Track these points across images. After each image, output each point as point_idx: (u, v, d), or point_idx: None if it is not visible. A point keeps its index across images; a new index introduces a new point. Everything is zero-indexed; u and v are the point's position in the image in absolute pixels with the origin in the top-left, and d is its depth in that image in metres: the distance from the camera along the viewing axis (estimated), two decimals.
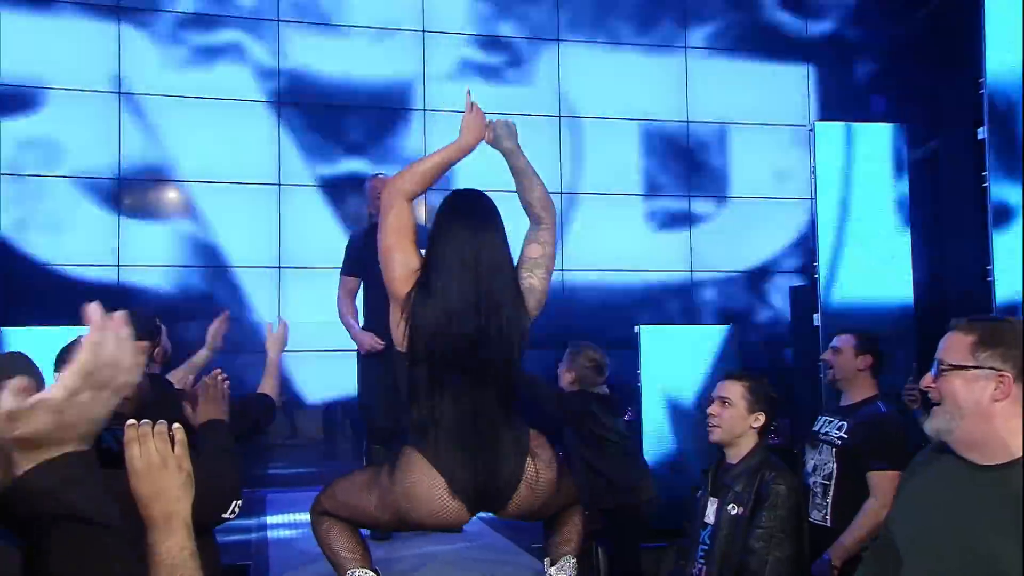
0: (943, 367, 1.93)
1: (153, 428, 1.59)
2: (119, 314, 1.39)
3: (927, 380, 1.99)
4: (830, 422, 3.78)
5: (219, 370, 2.85)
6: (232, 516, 2.49)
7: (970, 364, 1.88)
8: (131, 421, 1.59)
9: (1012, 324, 1.93)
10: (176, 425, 1.63)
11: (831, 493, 3.64)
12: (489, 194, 2.80)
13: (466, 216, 2.67)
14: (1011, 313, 5.48)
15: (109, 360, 1.35)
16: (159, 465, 1.57)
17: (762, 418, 3.14)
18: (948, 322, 2.02)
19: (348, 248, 4.97)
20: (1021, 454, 1.83)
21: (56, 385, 1.34)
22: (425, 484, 2.55)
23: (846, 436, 3.66)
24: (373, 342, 4.58)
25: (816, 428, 3.85)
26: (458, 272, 2.58)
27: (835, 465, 3.65)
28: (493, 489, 2.57)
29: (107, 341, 1.35)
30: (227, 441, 2.57)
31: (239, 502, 2.50)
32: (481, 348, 2.56)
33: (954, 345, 1.93)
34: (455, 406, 2.55)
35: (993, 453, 1.87)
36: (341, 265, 4.90)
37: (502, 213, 2.74)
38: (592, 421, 4.47)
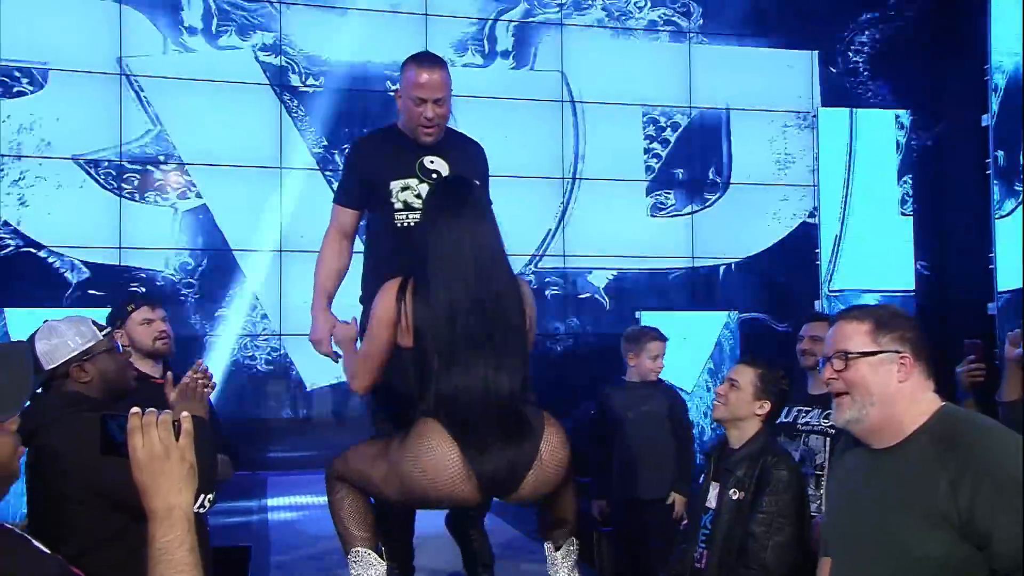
0: (849, 356, 1.96)
1: (158, 418, 1.55)
2: None
3: (826, 374, 2.02)
4: (806, 411, 3.73)
5: (200, 361, 2.80)
6: (203, 510, 2.38)
7: (874, 349, 1.94)
8: (135, 410, 1.54)
9: (895, 309, 2.01)
10: (184, 414, 1.58)
11: (824, 483, 3.53)
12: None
13: (458, 208, 2.62)
14: (1014, 301, 5.48)
15: None
16: (162, 456, 1.53)
17: (767, 406, 3.14)
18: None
19: (350, 161, 3.30)
20: (910, 432, 1.91)
21: None
22: (440, 452, 2.49)
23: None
24: (326, 338, 3.10)
25: (790, 419, 3.76)
26: (458, 266, 2.55)
27: (827, 455, 3.59)
28: (506, 470, 2.53)
29: None
30: (205, 434, 2.51)
31: (210, 496, 2.39)
32: (490, 336, 2.54)
33: (852, 334, 1.97)
34: (468, 390, 2.52)
35: (890, 436, 1.94)
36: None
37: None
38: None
